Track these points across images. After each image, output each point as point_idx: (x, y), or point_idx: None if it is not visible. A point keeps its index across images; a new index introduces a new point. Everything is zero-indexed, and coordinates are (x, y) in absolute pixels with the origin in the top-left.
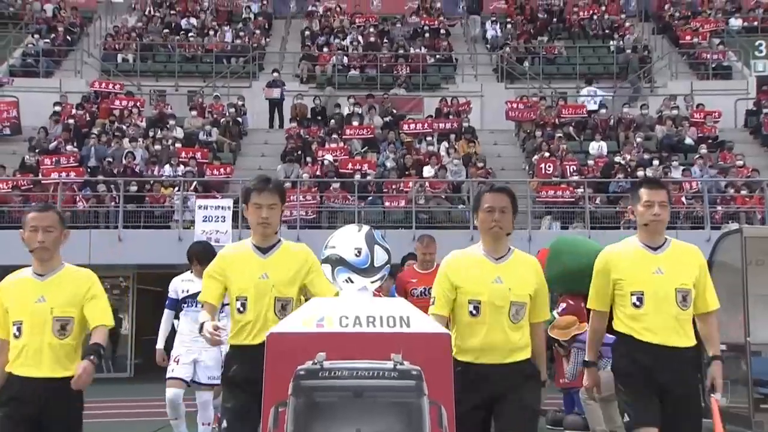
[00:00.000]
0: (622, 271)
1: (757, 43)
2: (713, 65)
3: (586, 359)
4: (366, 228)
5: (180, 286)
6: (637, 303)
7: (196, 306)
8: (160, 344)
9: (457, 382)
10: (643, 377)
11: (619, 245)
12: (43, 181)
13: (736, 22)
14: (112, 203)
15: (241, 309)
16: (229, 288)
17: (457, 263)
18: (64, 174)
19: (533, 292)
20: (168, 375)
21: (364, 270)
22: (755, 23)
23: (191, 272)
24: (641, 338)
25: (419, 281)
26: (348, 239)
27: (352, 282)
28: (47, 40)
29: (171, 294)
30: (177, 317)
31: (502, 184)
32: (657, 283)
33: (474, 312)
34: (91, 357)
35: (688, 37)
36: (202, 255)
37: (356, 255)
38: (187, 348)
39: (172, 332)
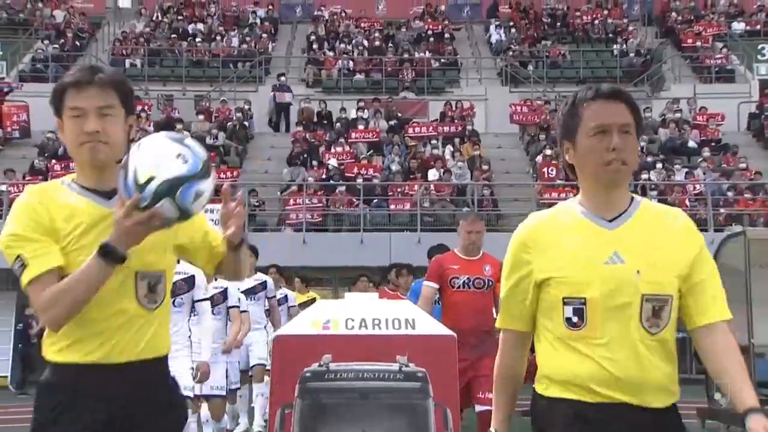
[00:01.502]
0: None
1: (759, 47)
2: (716, 69)
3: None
4: (161, 135)
5: None
6: None
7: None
8: None
9: (547, 422)
10: None
11: None
12: None
13: (738, 26)
14: None
15: None
16: (50, 256)
17: (540, 233)
18: None
19: (685, 272)
20: None
21: (202, 173)
22: (758, 27)
23: None
24: None
25: (462, 269)
26: (158, 155)
27: (202, 194)
28: (56, 46)
29: None
30: None
31: (615, 86)
32: None
33: (575, 319)
34: None
35: (690, 41)
36: None
37: (183, 162)
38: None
39: None
